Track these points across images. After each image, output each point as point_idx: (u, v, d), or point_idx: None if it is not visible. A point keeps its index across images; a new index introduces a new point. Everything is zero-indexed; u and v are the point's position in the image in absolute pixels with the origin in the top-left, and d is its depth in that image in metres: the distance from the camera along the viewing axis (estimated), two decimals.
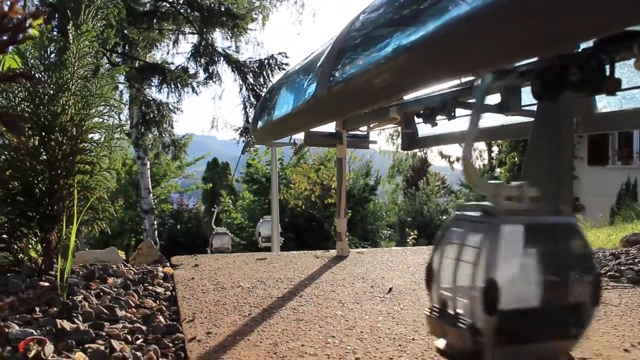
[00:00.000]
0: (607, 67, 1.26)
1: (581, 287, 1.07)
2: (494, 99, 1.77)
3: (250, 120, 12.20)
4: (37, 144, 2.31)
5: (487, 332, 0.99)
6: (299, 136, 4.10)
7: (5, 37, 0.82)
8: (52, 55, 2.38)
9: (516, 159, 18.51)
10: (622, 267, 2.78)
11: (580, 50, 1.31)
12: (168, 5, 12.79)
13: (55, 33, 2.86)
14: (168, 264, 2.87)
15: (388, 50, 1.22)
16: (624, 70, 1.66)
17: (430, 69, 1.11)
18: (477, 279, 0.98)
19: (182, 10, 12.70)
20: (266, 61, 12.87)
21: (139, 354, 1.45)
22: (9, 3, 0.82)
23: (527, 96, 1.68)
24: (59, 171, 2.34)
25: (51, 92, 2.32)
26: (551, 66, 1.30)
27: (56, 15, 6.02)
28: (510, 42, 0.88)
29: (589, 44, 1.28)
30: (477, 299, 0.98)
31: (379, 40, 1.33)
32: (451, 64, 1.05)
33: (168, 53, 13.87)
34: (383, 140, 28.92)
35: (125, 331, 1.61)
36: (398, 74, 1.19)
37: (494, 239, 0.98)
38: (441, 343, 1.11)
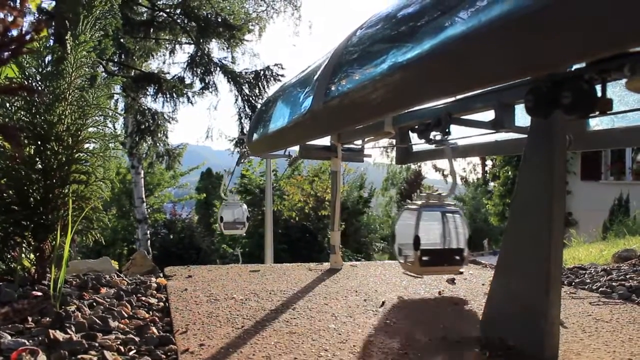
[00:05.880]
0: (599, 86, 1.28)
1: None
2: (488, 115, 1.79)
3: (245, 131, 12.20)
4: (32, 153, 2.31)
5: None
6: (294, 148, 4.11)
7: (6, 51, 0.83)
8: (50, 65, 2.39)
9: (510, 173, 18.60)
10: (614, 283, 2.79)
11: (572, 70, 1.33)
12: (165, 15, 12.82)
13: (51, 42, 2.86)
14: (161, 275, 2.86)
15: (384, 66, 1.24)
16: (615, 89, 1.68)
17: (425, 86, 1.13)
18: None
19: (179, 21, 12.73)
20: (262, 72, 12.89)
21: None
22: (11, 16, 0.83)
23: (520, 112, 1.70)
24: (54, 180, 2.34)
25: (48, 101, 2.32)
26: (544, 83, 1.32)
27: (53, 24, 6.01)
28: (505, 62, 0.90)
29: (582, 64, 1.30)
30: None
31: (376, 56, 1.35)
32: (446, 82, 1.06)
33: (164, 63, 13.89)
34: (377, 153, 29.00)
35: (118, 342, 1.61)
36: (394, 91, 1.21)
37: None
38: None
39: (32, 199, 2.31)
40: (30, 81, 2.33)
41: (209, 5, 12.48)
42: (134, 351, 1.57)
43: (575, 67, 1.33)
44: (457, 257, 2.38)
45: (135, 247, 15.11)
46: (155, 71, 13.43)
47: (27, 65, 2.33)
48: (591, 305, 2.34)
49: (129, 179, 16.40)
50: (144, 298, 2.24)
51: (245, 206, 6.90)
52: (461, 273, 2.63)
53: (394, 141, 2.93)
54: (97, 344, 1.56)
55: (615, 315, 2.17)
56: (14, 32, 0.88)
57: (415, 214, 2.29)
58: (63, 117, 2.35)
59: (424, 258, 2.26)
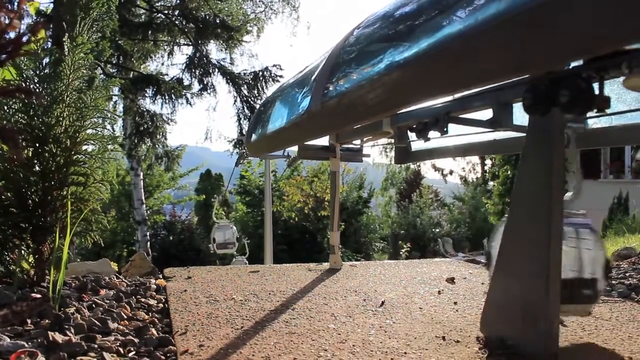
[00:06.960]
0: (597, 85, 1.28)
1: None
2: (486, 114, 1.79)
3: (244, 132, 12.22)
4: (30, 155, 2.31)
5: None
6: (293, 149, 4.09)
7: (4, 53, 0.83)
8: (47, 67, 2.39)
9: (509, 172, 18.59)
10: (613, 282, 2.79)
11: (570, 68, 1.33)
12: (163, 16, 12.84)
13: (49, 44, 2.86)
14: (161, 276, 2.86)
15: (381, 66, 1.24)
16: (613, 87, 1.68)
17: (422, 85, 1.13)
18: None
19: (177, 22, 12.75)
20: (260, 73, 12.92)
21: None
22: (8, 18, 0.83)
23: (519, 111, 1.70)
24: (53, 183, 2.33)
25: (45, 103, 2.32)
26: (542, 82, 1.32)
27: (50, 26, 6.01)
28: (502, 60, 0.90)
29: (579, 61, 1.30)
30: None
31: (373, 56, 1.35)
32: (444, 82, 1.06)
33: (163, 64, 13.95)
34: (376, 152, 29.02)
35: (118, 343, 1.60)
36: (391, 90, 1.21)
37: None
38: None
39: (30, 201, 2.31)
40: (28, 83, 2.33)
41: (207, 6, 12.50)
42: (134, 352, 1.57)
43: (573, 65, 1.33)
44: (588, 292, 1.64)
45: (135, 248, 15.13)
46: (154, 73, 13.46)
47: (25, 67, 2.33)
48: None
49: (128, 181, 16.43)
50: (143, 299, 2.24)
51: (235, 228, 7.95)
52: (589, 314, 1.85)
53: (392, 140, 2.93)
54: (96, 346, 1.56)
55: (615, 313, 2.17)
56: (12, 34, 0.88)
57: None
58: (61, 119, 2.35)
59: None
